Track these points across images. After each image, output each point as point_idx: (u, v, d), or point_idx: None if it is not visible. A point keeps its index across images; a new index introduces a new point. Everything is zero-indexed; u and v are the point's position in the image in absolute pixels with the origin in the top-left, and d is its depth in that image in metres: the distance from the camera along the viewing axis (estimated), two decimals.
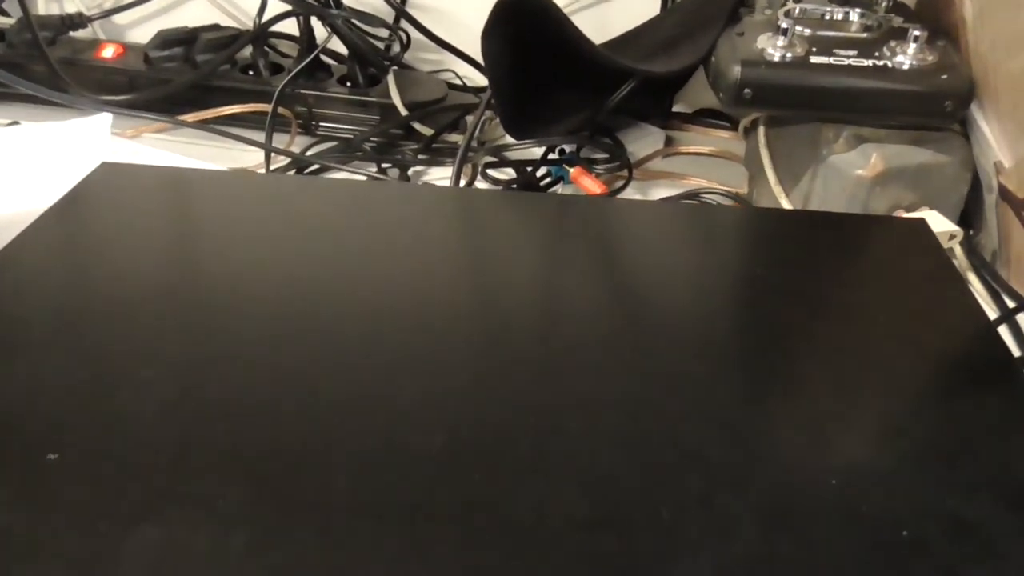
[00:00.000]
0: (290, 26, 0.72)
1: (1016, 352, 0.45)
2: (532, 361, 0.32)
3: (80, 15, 0.75)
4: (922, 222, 0.42)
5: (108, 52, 0.73)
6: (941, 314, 0.35)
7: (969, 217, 0.55)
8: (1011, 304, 0.48)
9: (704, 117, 0.74)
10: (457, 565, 0.24)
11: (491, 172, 0.64)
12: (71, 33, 0.75)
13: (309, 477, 0.26)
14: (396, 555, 0.24)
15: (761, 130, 0.58)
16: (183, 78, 0.69)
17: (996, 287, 0.50)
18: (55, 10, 0.82)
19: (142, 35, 0.77)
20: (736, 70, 0.50)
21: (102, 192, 0.42)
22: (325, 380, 0.30)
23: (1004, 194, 0.50)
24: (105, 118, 0.59)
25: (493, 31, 0.54)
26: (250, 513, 0.25)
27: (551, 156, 0.63)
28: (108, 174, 0.44)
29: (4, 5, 0.77)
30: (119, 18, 0.81)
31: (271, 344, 0.32)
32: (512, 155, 0.64)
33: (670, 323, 0.35)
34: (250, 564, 0.23)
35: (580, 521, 0.25)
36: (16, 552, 0.23)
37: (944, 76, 0.50)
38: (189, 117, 0.68)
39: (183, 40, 0.72)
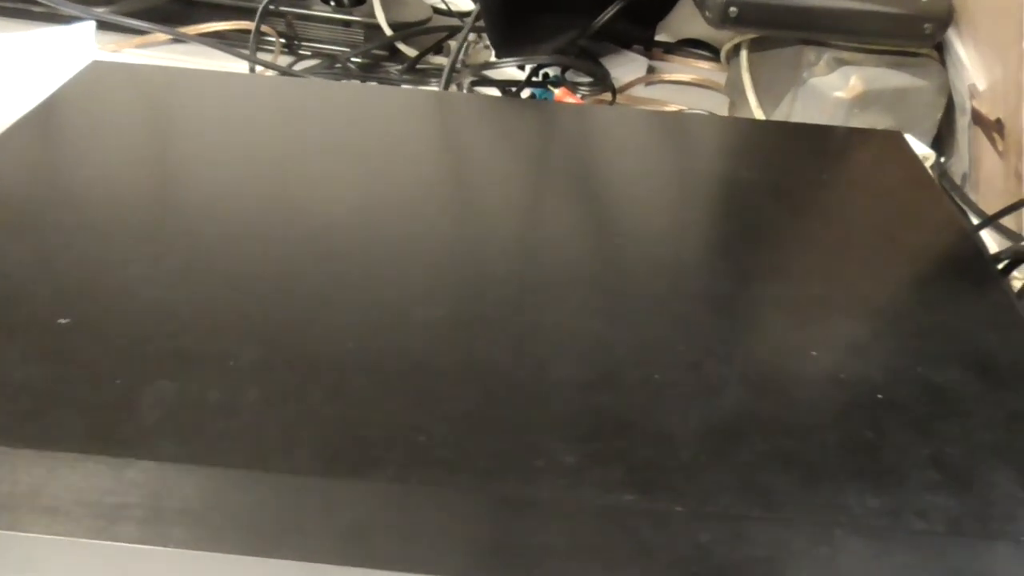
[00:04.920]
0: None
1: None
2: (529, 244, 0.33)
3: None
4: (898, 134, 0.43)
5: None
6: (917, 215, 0.37)
7: (941, 142, 0.57)
8: (976, 222, 0.50)
9: (686, 47, 0.75)
10: (461, 419, 0.25)
11: (476, 92, 0.64)
12: None
13: (317, 340, 0.27)
14: (402, 409, 0.25)
15: (743, 54, 0.59)
16: None
17: (965, 208, 0.52)
18: None
19: None
20: None
21: (95, 88, 0.42)
22: (330, 257, 0.31)
23: (976, 117, 0.52)
24: (89, 26, 0.58)
25: None
26: (261, 371, 0.26)
27: (535, 78, 0.63)
28: (100, 72, 0.43)
29: None
30: None
31: (275, 225, 0.33)
32: (496, 76, 0.64)
33: (662, 216, 0.36)
34: (263, 417, 0.25)
35: (578, 382, 0.27)
36: (36, 405, 0.24)
37: None
38: (148, 39, 0.67)
39: None
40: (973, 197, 0.53)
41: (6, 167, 0.35)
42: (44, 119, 0.39)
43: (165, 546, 0.22)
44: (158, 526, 0.22)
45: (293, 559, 0.22)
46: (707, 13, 0.51)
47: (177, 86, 0.43)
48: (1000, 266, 0.38)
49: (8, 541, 0.22)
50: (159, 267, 0.30)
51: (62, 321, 0.27)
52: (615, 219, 0.36)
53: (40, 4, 0.64)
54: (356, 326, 0.28)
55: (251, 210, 0.34)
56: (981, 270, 0.34)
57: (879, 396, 0.27)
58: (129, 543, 0.22)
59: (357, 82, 0.62)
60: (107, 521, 0.22)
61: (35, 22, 0.66)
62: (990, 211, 0.51)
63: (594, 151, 0.41)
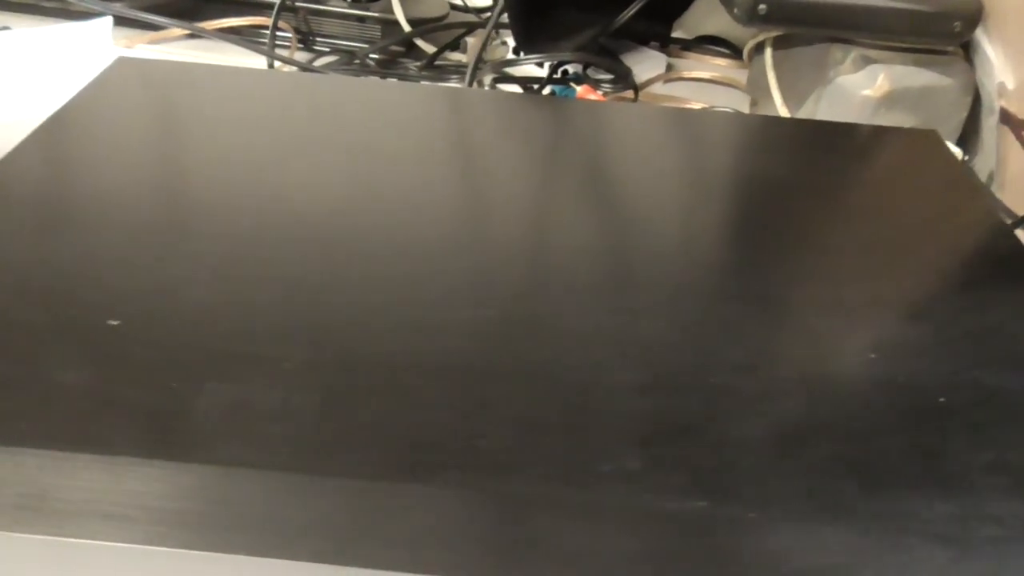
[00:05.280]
0: None
1: None
2: (570, 244, 0.33)
3: None
4: (934, 133, 0.43)
5: None
6: (959, 215, 0.37)
7: (966, 141, 0.57)
8: (1008, 221, 0.50)
9: (703, 44, 0.74)
10: (517, 421, 0.25)
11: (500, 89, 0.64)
12: None
13: (368, 341, 0.27)
14: (459, 413, 0.25)
15: (768, 51, 0.59)
16: None
17: (993, 207, 0.52)
18: None
19: None
20: None
21: (124, 84, 0.41)
22: (371, 256, 0.31)
23: (1005, 116, 0.51)
24: (106, 21, 0.58)
25: None
26: (314, 373, 0.26)
27: (556, 76, 0.63)
28: (126, 67, 0.43)
29: None
30: None
31: (314, 224, 0.32)
32: (516, 74, 0.64)
33: (703, 216, 0.35)
34: (320, 420, 0.24)
35: (634, 384, 0.26)
36: (92, 408, 0.24)
37: None
38: (168, 33, 0.66)
39: None
40: (1000, 196, 0.53)
41: (40, 166, 0.34)
42: (74, 116, 0.38)
43: (226, 552, 0.22)
44: (219, 532, 0.22)
45: (358, 566, 0.21)
46: (735, 10, 0.51)
47: (204, 82, 0.42)
48: None
49: (69, 549, 0.21)
50: (201, 267, 0.30)
51: (112, 323, 0.27)
52: (655, 219, 0.35)
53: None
54: (405, 327, 0.28)
55: (288, 208, 0.33)
56: None
57: (941, 400, 0.26)
58: (191, 549, 0.22)
59: (379, 79, 0.62)
60: (167, 527, 0.22)
61: (48, 18, 0.65)
62: (1018, 211, 0.51)
63: (626, 149, 0.41)
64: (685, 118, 0.45)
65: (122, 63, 0.43)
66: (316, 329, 0.27)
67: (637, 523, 0.22)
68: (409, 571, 0.21)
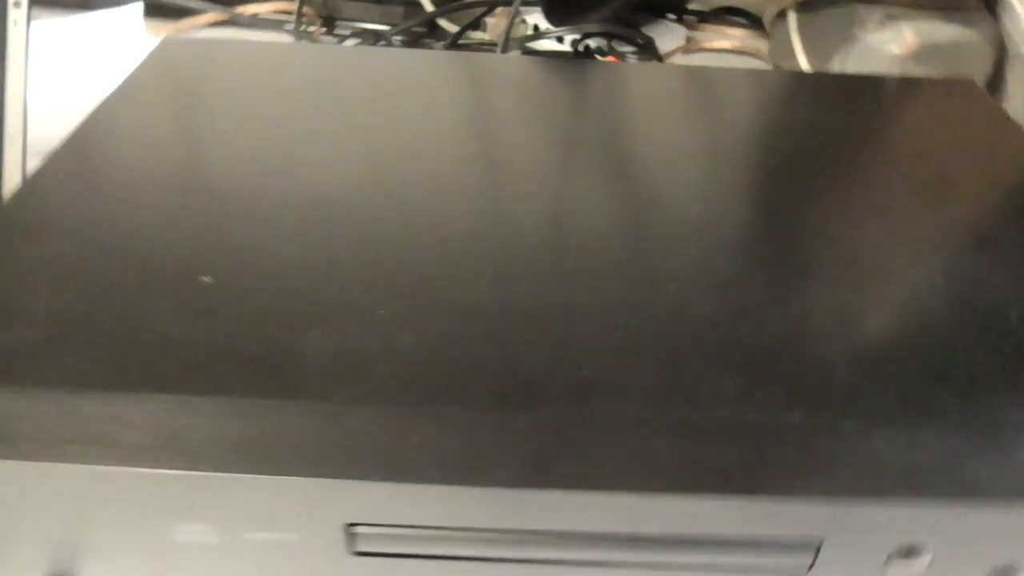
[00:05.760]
0: None
1: None
2: (639, 197, 0.34)
3: None
4: (972, 82, 0.44)
5: None
6: (1007, 154, 0.38)
7: (995, 91, 0.57)
8: None
9: (721, 15, 0.75)
10: (614, 352, 0.25)
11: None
12: None
13: (457, 288, 0.28)
14: (556, 348, 0.26)
15: (791, 16, 0.60)
16: None
17: None
18: None
19: None
20: None
21: (174, 66, 0.42)
22: (445, 211, 0.32)
23: None
24: (136, 8, 0.58)
25: None
26: (411, 319, 0.26)
27: (579, 51, 0.64)
28: (174, 47, 0.44)
29: None
30: None
31: (389, 185, 0.33)
32: (541, 49, 0.64)
33: (759, 170, 0.36)
34: (425, 359, 0.25)
35: (720, 318, 0.27)
36: (203, 356, 0.25)
37: None
38: (208, 17, 0.67)
39: None
40: None
41: (111, 142, 0.35)
42: (134, 94, 0.39)
43: (345, 478, 0.22)
44: (335, 462, 0.22)
45: (469, 485, 0.22)
46: None
47: (252, 57, 0.43)
48: None
49: (197, 481, 0.22)
50: (281, 228, 0.30)
51: (205, 279, 0.28)
52: (712, 175, 0.36)
53: None
54: (488, 276, 0.29)
55: (351, 171, 0.34)
56: None
57: (1013, 316, 0.27)
58: (309, 477, 0.22)
59: (421, 50, 0.62)
60: (285, 460, 0.22)
61: (71, 9, 0.66)
62: None
63: (665, 107, 0.42)
64: (720, 76, 0.46)
65: (169, 43, 0.44)
66: (402, 279, 0.28)
67: (738, 437, 0.23)
68: (516, 486, 0.22)
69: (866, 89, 0.43)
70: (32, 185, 0.32)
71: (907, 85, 0.44)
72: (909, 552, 0.23)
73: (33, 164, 0.43)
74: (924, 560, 0.23)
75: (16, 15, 0.42)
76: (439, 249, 0.30)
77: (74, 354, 0.24)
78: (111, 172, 0.33)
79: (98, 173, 0.33)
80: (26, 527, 0.23)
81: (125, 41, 0.57)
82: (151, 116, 0.37)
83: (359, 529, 0.23)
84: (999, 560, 0.23)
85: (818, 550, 0.23)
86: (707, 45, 0.70)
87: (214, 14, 0.66)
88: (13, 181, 0.41)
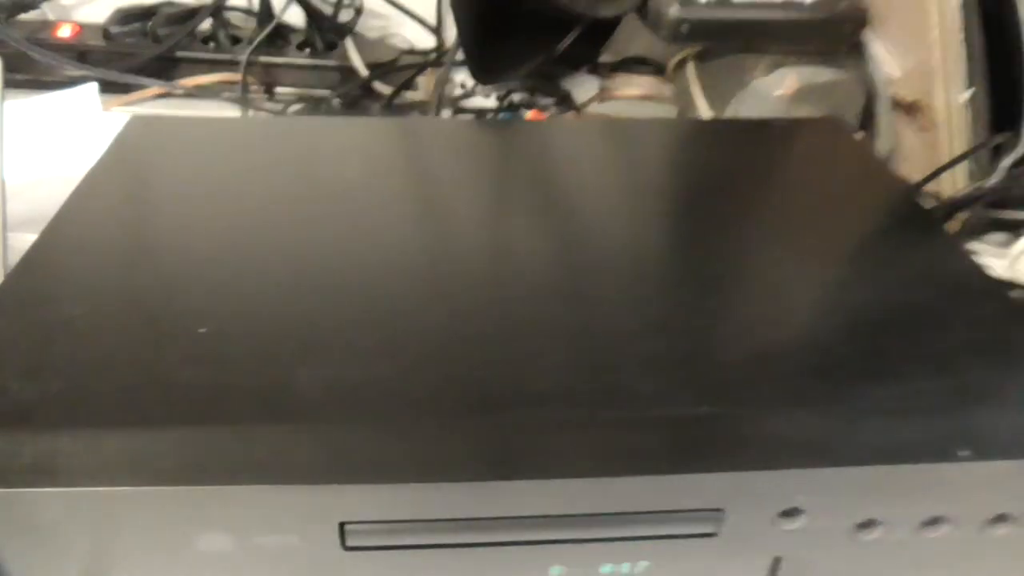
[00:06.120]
0: None
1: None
2: (571, 241, 0.40)
3: None
4: (837, 119, 0.51)
5: (65, 31, 0.75)
6: (866, 183, 0.45)
7: (867, 126, 0.65)
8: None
9: (629, 65, 0.82)
10: (554, 367, 0.31)
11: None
12: (20, 16, 0.77)
13: (417, 326, 0.33)
14: (505, 367, 0.31)
15: (690, 65, 0.67)
16: (149, 51, 0.72)
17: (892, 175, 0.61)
18: None
19: (89, 15, 0.80)
20: (675, 9, 0.58)
21: (145, 142, 0.46)
22: (409, 268, 0.37)
23: (895, 102, 0.60)
24: (92, 87, 0.62)
25: None
26: (391, 350, 0.31)
27: (504, 105, 0.70)
28: (142, 126, 0.48)
29: None
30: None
31: (363, 242, 0.38)
32: (471, 106, 0.71)
33: (658, 211, 0.43)
34: (398, 382, 0.30)
35: (637, 332, 0.33)
36: (213, 394, 0.29)
37: (842, 5, 0.60)
38: (156, 89, 0.71)
39: (142, 15, 0.75)
40: (898, 169, 0.62)
41: (97, 217, 0.39)
42: (113, 170, 0.43)
43: (350, 484, 0.27)
44: (330, 471, 0.27)
45: (449, 481, 0.27)
46: (662, 32, 0.59)
47: (215, 132, 0.48)
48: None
49: (207, 494, 0.27)
50: (268, 284, 0.35)
51: (202, 330, 0.32)
52: (622, 217, 0.42)
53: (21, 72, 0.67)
54: (448, 310, 0.34)
55: (332, 233, 0.39)
56: (925, 221, 0.42)
57: (873, 317, 0.34)
58: (312, 484, 0.27)
59: (368, 118, 0.68)
60: (292, 472, 0.27)
61: (20, 90, 0.69)
62: (914, 179, 0.60)
63: (582, 157, 0.48)
64: (627, 127, 0.52)
65: (136, 122, 0.48)
66: (371, 319, 0.33)
67: (656, 429, 0.29)
68: (482, 479, 0.27)
69: (749, 131, 0.50)
70: (31, 257, 0.36)
71: (781, 126, 0.51)
72: (791, 512, 0.29)
73: (12, 235, 0.47)
74: (803, 519, 0.29)
75: None
76: (402, 292, 0.35)
77: (96, 399, 0.29)
78: (104, 242, 0.37)
79: (92, 244, 0.37)
80: (67, 545, 0.27)
81: (83, 118, 0.61)
82: (132, 190, 0.41)
83: (349, 527, 0.28)
84: (860, 517, 0.29)
85: (721, 518, 0.28)
86: (618, 93, 0.77)
87: (158, 87, 0.70)
88: None
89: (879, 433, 0.29)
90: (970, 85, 0.52)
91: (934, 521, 0.29)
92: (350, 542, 0.28)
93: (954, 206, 0.44)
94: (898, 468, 0.28)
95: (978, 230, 0.51)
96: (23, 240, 0.40)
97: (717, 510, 0.28)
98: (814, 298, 0.36)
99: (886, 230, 0.41)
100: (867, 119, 0.65)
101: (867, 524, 0.29)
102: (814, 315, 0.34)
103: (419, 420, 0.29)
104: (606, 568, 0.30)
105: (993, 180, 0.51)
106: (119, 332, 0.32)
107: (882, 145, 0.64)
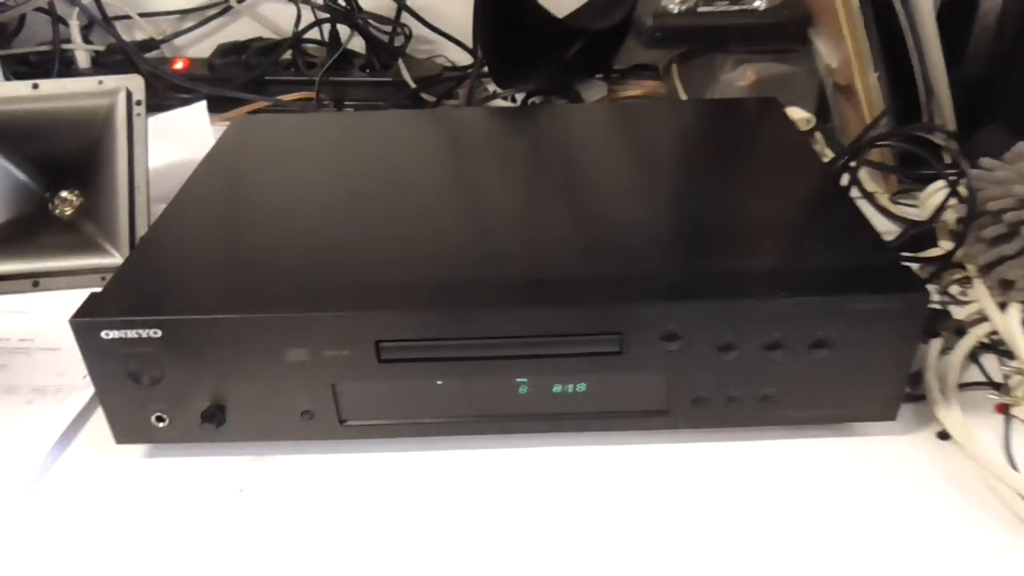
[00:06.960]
0: (313, 33, 0.95)
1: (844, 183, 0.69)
2: (554, 186, 0.55)
3: (152, 39, 0.98)
4: (773, 99, 0.65)
5: (179, 65, 0.95)
6: (788, 150, 0.59)
7: (820, 110, 0.79)
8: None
9: (636, 71, 0.98)
10: (550, 260, 0.46)
11: None
12: (145, 55, 0.97)
13: (462, 237, 0.49)
14: (514, 254, 0.47)
15: (674, 67, 0.82)
16: (243, 76, 0.91)
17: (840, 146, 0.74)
18: (128, 38, 1.04)
19: (197, 51, 1.00)
20: (650, 19, 0.74)
21: (243, 139, 0.64)
22: (445, 219, 0.53)
23: (835, 87, 0.74)
24: (201, 104, 0.81)
25: (481, 17, 0.77)
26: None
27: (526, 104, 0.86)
28: (240, 127, 0.66)
29: (92, 36, 0.99)
30: (179, 40, 1.03)
31: (443, 202, 0.55)
32: (495, 105, 0.87)
33: (647, 166, 0.58)
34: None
35: (626, 246, 0.48)
36: (302, 294, 0.46)
37: (787, 11, 0.74)
38: (253, 105, 0.90)
39: (238, 49, 0.94)
40: (842, 139, 0.75)
41: (222, 185, 0.57)
42: (227, 155, 0.61)
43: (374, 311, 0.43)
44: (371, 303, 0.43)
45: (456, 308, 0.43)
46: (642, 38, 0.74)
47: (312, 125, 0.65)
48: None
49: (300, 320, 0.43)
50: (337, 220, 0.52)
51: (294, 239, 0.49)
52: (600, 173, 0.58)
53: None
54: (480, 237, 0.50)
55: (392, 186, 0.55)
56: (816, 162, 0.56)
57: (752, 223, 0.48)
58: (360, 311, 0.43)
59: (414, 110, 0.85)
60: (351, 304, 0.43)
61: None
62: None
63: (587, 132, 0.63)
64: (622, 108, 0.68)
65: (236, 123, 0.66)
66: (415, 254, 0.49)
67: (585, 283, 0.44)
68: (475, 308, 0.43)
69: (709, 108, 0.65)
70: (163, 220, 0.53)
71: (731, 104, 0.66)
72: (670, 336, 0.43)
73: (155, 208, 0.65)
74: (679, 343, 0.43)
75: (139, 110, 0.64)
76: (446, 221, 0.51)
77: (237, 298, 0.45)
78: (213, 207, 0.55)
79: (205, 209, 0.54)
80: (199, 372, 0.44)
81: (196, 126, 0.79)
82: (243, 170, 0.59)
83: (383, 344, 0.43)
84: (720, 342, 0.43)
85: (623, 339, 0.43)
86: (622, 94, 0.93)
87: (259, 102, 0.89)
88: (143, 216, 0.63)
89: (727, 282, 0.43)
90: (876, 69, 0.66)
91: (774, 345, 0.43)
92: (383, 356, 0.44)
93: (842, 154, 0.57)
94: (739, 302, 0.42)
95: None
96: (157, 208, 0.58)
97: (618, 332, 0.43)
98: (720, 211, 0.50)
99: (786, 171, 0.55)
100: (819, 103, 0.79)
101: (726, 347, 0.44)
102: (715, 221, 0.49)
103: (427, 277, 0.45)
104: (556, 388, 0.45)
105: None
106: (239, 270, 0.49)
107: (833, 121, 0.78)
